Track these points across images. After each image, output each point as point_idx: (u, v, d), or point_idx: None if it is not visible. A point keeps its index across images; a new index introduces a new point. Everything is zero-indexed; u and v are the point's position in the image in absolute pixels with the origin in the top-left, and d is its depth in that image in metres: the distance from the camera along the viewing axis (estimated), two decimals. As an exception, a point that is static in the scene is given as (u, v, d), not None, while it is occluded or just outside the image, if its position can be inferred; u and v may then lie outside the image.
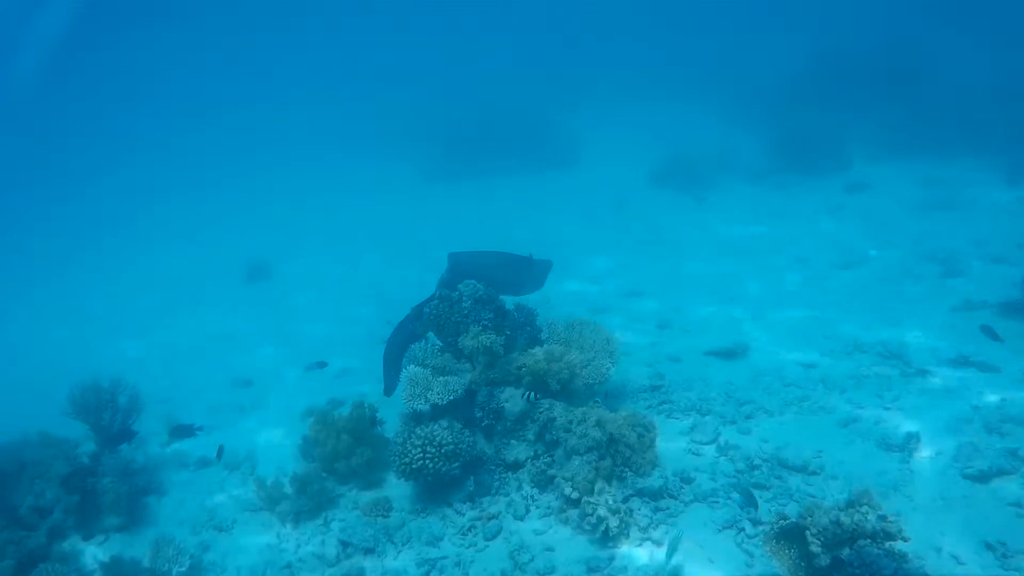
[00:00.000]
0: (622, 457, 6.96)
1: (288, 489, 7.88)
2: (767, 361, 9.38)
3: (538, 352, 7.75)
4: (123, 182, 29.44)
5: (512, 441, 7.74)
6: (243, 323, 15.10)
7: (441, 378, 7.82)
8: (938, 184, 15.30)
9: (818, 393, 8.45)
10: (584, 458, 6.86)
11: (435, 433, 7.38)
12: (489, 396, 7.78)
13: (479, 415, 7.80)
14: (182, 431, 9.39)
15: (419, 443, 7.34)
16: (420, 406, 7.66)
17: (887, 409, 7.90)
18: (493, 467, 7.69)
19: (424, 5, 41.39)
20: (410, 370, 7.95)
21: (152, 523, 8.24)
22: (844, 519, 4.79)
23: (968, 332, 9.24)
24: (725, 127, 22.37)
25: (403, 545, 6.91)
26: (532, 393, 7.49)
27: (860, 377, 8.68)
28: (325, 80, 38.62)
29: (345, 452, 8.25)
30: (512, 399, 7.78)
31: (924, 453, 7.01)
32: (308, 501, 7.73)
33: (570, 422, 7.10)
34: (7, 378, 13.56)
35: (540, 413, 7.44)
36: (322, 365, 10.68)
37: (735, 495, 6.67)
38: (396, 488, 7.74)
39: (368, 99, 33.01)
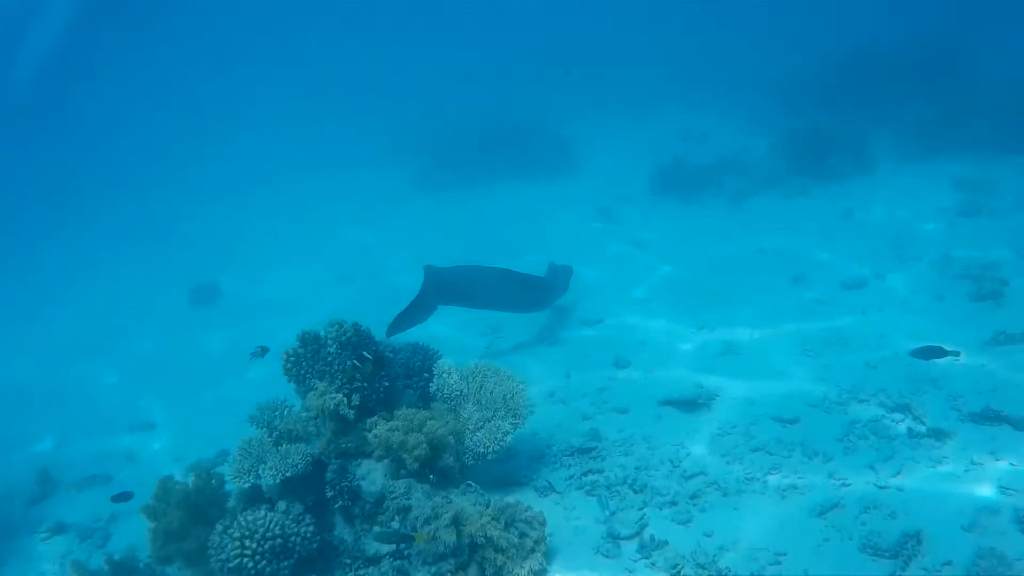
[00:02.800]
0: (492, 567, 4.99)
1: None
2: (736, 414, 7.30)
3: (400, 416, 5.85)
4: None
5: (376, 528, 5.84)
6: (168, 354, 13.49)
7: (281, 447, 5.98)
8: (972, 187, 12.91)
9: (793, 461, 6.37)
10: (434, 569, 4.91)
11: (259, 522, 5.56)
12: (341, 472, 5.92)
13: (330, 495, 5.92)
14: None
15: (237, 535, 5.52)
16: (247, 484, 5.83)
17: (882, 489, 5.77)
18: (350, 560, 5.79)
19: (420, 11, 39.76)
20: (246, 437, 6.14)
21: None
22: None
23: (1002, 376, 7.03)
24: (739, 129, 20.14)
25: None
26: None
27: (852, 439, 6.54)
28: (317, 87, 37.20)
29: (179, 532, 6.43)
30: (372, 475, 5.90)
31: (926, 566, 4.88)
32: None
33: (422, 518, 5.17)
34: None
35: (393, 500, 5.52)
36: (264, 351, 8.61)
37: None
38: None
39: (364, 105, 31.46)
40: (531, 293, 9.64)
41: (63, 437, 10.60)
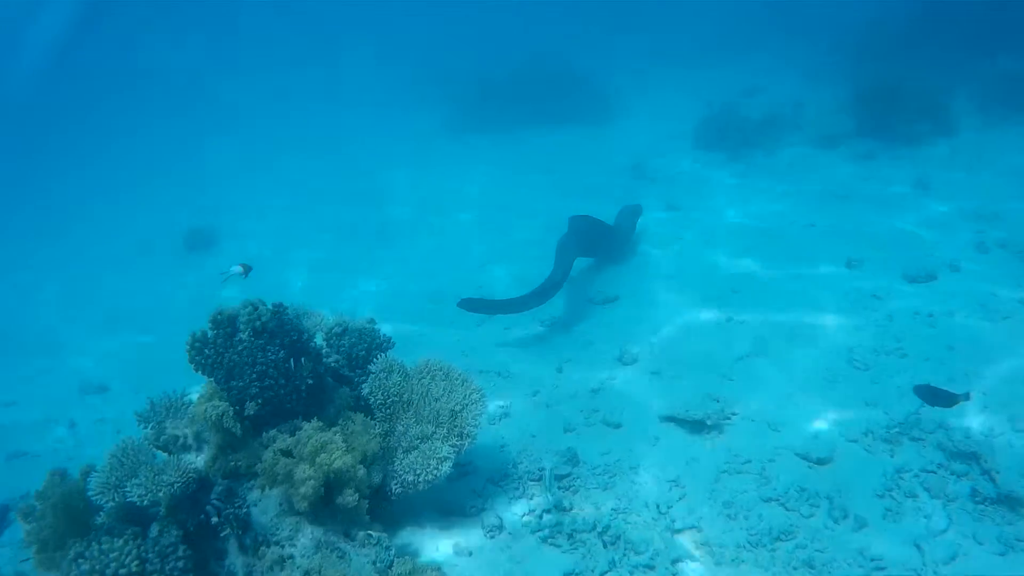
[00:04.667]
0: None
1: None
2: (753, 444, 5.82)
3: (298, 439, 4.55)
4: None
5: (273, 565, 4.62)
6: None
7: (159, 459, 4.76)
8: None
9: (815, 524, 4.90)
10: (302, 664, 3.66)
11: (112, 554, 4.39)
12: (228, 495, 4.68)
13: (215, 522, 4.69)
14: None
15: (87, 568, 4.37)
16: (110, 502, 4.65)
17: (932, 581, 4.28)
18: (240, 602, 4.61)
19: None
20: (122, 440, 4.93)
21: None
22: None
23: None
24: (800, 84, 17.84)
25: None
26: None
27: (898, 496, 5.02)
28: (345, 26, 34.86)
29: (53, 542, 5.32)
30: (265, 502, 4.66)
31: None
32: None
33: (297, 583, 3.91)
34: None
35: (274, 545, 4.26)
36: (246, 270, 7.23)
37: None
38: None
39: (391, 46, 29.42)
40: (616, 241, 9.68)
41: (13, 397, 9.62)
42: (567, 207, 9.88)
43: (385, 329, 8.09)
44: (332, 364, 6.03)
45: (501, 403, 6.89)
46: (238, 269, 7.01)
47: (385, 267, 11.24)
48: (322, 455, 4.20)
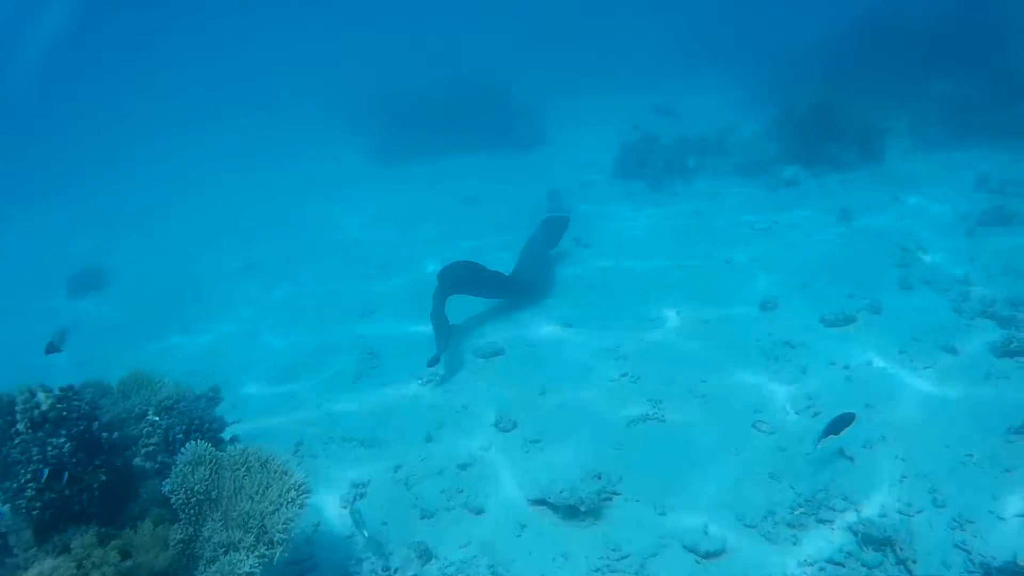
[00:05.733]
0: None
1: None
2: (634, 536, 4.91)
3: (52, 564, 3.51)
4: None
5: None
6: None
7: None
8: (1000, 188, 10.34)
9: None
10: None
11: None
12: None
13: None
14: None
15: None
16: None
17: None
18: None
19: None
20: None
21: None
22: None
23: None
24: (730, 107, 17.41)
25: None
26: None
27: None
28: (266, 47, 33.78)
29: None
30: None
31: None
32: None
33: None
34: None
35: None
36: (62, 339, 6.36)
37: None
38: None
39: (319, 71, 28.45)
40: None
41: None
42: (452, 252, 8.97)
43: (249, 390, 7.07)
44: (152, 448, 5.07)
45: (359, 479, 5.90)
46: (55, 340, 6.09)
47: (280, 314, 10.13)
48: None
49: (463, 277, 7.92)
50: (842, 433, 4.94)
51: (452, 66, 20.16)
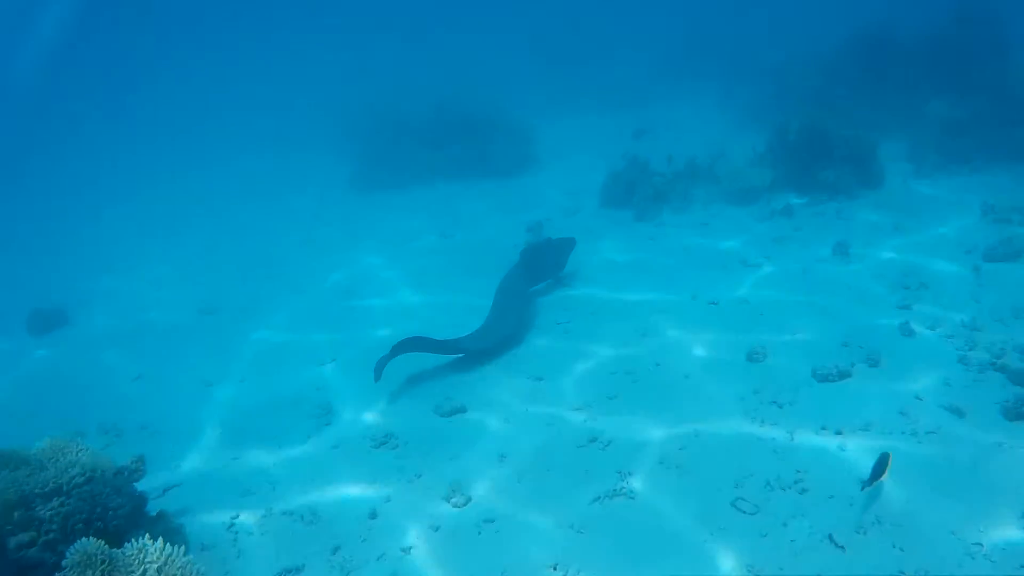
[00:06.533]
0: None
1: None
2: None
3: None
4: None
5: None
6: None
7: None
8: (1007, 217, 9.69)
9: None
10: None
11: None
12: None
13: None
14: None
15: None
16: None
17: None
18: None
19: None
20: None
21: None
22: None
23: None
24: (722, 130, 16.81)
25: None
26: None
27: None
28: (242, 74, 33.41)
29: None
30: None
31: None
32: None
33: None
34: None
35: None
36: None
37: None
38: None
39: (304, 92, 28.04)
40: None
41: None
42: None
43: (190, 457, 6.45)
44: (52, 537, 4.56)
45: (291, 568, 5.22)
46: None
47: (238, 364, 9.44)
48: None
49: (412, 348, 7.38)
50: (885, 475, 4.83)
51: (436, 91, 19.61)
